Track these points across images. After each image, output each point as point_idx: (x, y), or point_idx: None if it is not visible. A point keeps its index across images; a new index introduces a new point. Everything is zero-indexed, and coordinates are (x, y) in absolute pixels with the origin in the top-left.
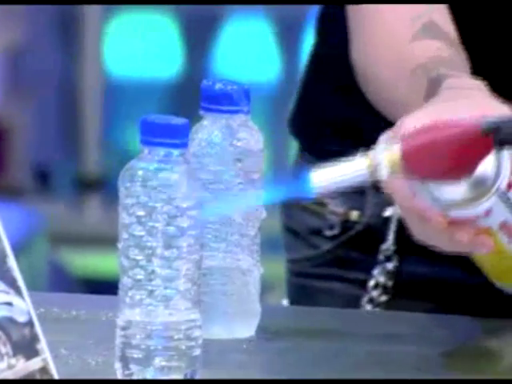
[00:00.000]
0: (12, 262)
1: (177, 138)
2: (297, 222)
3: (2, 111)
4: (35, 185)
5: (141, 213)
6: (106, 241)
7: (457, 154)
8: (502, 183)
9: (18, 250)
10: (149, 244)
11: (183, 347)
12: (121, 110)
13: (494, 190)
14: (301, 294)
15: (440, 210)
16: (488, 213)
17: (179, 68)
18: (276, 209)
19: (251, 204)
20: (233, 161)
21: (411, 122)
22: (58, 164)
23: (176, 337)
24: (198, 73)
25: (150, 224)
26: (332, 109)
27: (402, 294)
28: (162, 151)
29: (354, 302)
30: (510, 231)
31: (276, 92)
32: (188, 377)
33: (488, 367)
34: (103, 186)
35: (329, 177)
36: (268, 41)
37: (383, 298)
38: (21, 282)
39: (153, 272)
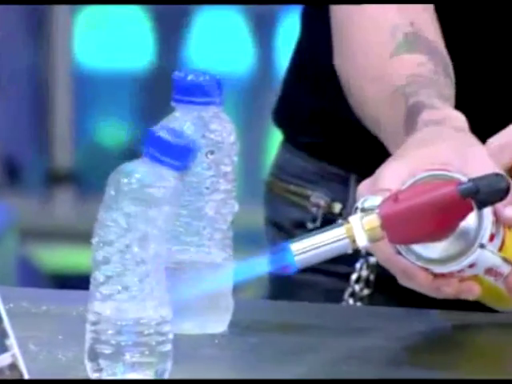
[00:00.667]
0: None
1: (180, 160)
2: (280, 215)
3: None
4: (5, 179)
5: (120, 218)
6: (77, 236)
7: (437, 218)
8: (485, 236)
9: None
10: (122, 241)
11: (153, 343)
12: (92, 102)
13: (476, 244)
14: (282, 287)
15: (423, 267)
16: (472, 265)
17: (151, 59)
18: (250, 202)
19: (235, 278)
20: (205, 153)
21: (389, 175)
22: (29, 158)
23: (146, 332)
24: (170, 64)
25: (125, 227)
26: (313, 101)
27: (384, 288)
28: (162, 170)
29: (336, 296)
30: (496, 274)
31: (249, 83)
32: (159, 373)
33: (464, 361)
34: (74, 181)
35: (309, 248)
36: (241, 31)
37: (365, 292)
38: None
39: (125, 269)
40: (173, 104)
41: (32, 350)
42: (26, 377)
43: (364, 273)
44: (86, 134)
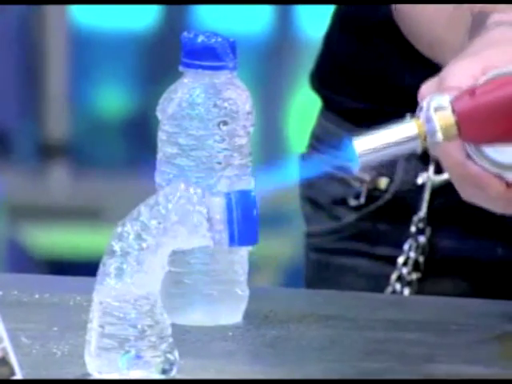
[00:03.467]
0: None
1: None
2: (318, 191)
3: None
4: None
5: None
6: (74, 215)
7: None
8: None
9: None
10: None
11: (158, 338)
12: (89, 66)
13: None
14: (321, 271)
15: (497, 174)
16: None
17: (156, 18)
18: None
19: (287, 180)
20: (217, 124)
21: (459, 73)
22: (19, 128)
23: (151, 325)
24: (177, 24)
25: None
26: (356, 63)
27: (435, 271)
28: None
29: (380, 281)
30: None
31: (266, 45)
32: (165, 369)
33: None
34: (70, 153)
35: (374, 145)
36: None
37: (414, 276)
38: None
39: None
40: (181, 69)
41: (24, 343)
42: (18, 373)
43: (412, 255)
44: (83, 101)
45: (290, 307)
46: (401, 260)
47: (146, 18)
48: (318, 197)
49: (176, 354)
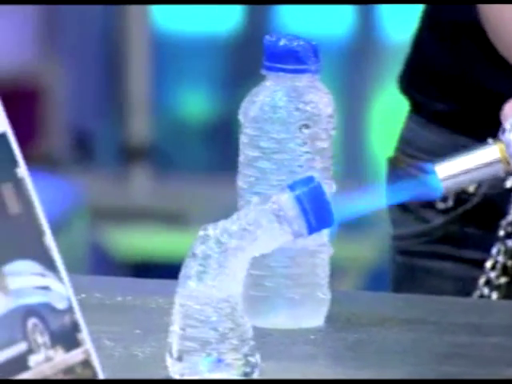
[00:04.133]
0: (50, 240)
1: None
2: None
3: (36, 69)
4: (75, 154)
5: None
6: (155, 217)
7: None
8: None
9: (56, 228)
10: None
11: (239, 340)
12: (172, 69)
13: None
14: (407, 274)
15: None
16: None
17: (238, 22)
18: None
19: (375, 207)
20: (299, 127)
21: None
22: (101, 130)
23: (233, 328)
24: (260, 27)
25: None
26: (445, 65)
27: None
28: None
29: (468, 284)
30: None
31: (349, 48)
32: (248, 371)
33: None
34: (152, 156)
35: (456, 170)
36: None
37: (502, 280)
38: (60, 264)
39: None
40: (263, 72)
41: (106, 345)
42: (101, 375)
43: (500, 259)
44: (166, 104)
45: (371, 311)
46: (489, 264)
47: (229, 21)
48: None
49: (258, 356)
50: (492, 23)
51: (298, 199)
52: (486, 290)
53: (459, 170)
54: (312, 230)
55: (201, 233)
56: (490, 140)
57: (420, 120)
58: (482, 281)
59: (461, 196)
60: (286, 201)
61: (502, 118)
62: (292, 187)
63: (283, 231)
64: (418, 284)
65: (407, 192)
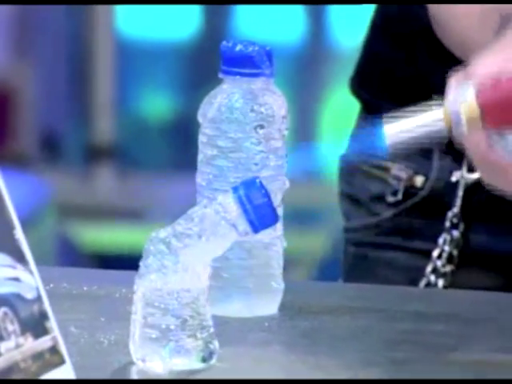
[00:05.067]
0: (20, 234)
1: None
2: (357, 188)
3: (5, 72)
4: (42, 153)
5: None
6: (119, 213)
7: None
8: None
9: (25, 223)
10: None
11: (199, 326)
12: (135, 73)
13: None
14: (359, 264)
15: None
16: None
17: (197, 28)
18: (301, 178)
19: (319, 161)
20: (254, 127)
21: (484, 67)
22: (68, 130)
23: (192, 315)
24: (216, 33)
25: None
26: (395, 66)
27: (468, 264)
28: None
29: (416, 273)
30: None
31: (301, 53)
32: (207, 356)
33: None
34: (116, 155)
35: (403, 129)
36: None
37: (448, 268)
38: (29, 256)
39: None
40: (221, 75)
41: (73, 332)
42: (67, 360)
43: (446, 248)
44: (129, 106)
45: (323, 300)
46: (435, 253)
47: (188, 27)
48: (358, 194)
49: (216, 343)
50: (442, 21)
51: (240, 200)
52: (432, 278)
53: (405, 128)
54: (256, 228)
55: (152, 234)
56: (434, 105)
57: (370, 119)
58: (429, 269)
59: (409, 190)
60: (229, 202)
61: (447, 88)
62: (235, 189)
63: (229, 231)
64: (369, 274)
65: (359, 144)
